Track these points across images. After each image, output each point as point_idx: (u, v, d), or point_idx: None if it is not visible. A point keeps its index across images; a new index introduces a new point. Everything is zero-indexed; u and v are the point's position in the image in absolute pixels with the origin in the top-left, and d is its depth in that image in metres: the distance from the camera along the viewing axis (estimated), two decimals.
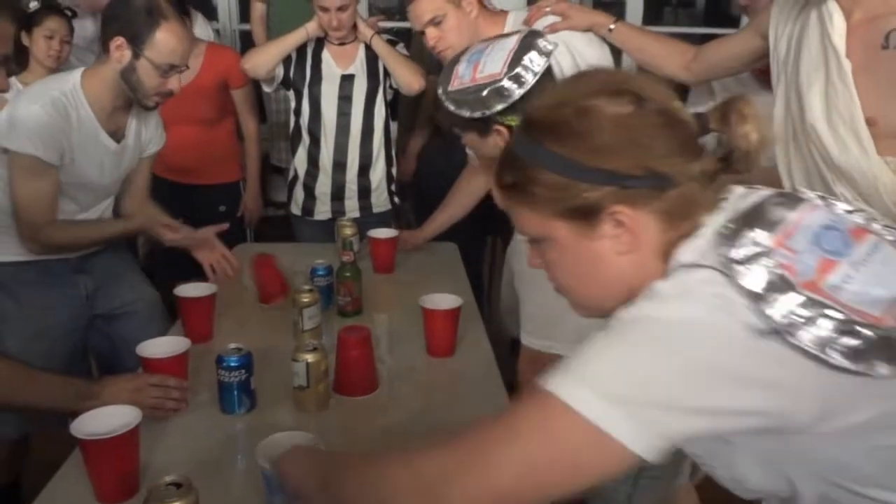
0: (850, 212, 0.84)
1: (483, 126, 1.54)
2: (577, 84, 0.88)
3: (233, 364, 1.42)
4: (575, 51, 1.90)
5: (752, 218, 0.78)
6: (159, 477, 1.01)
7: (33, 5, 2.48)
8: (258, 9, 3.62)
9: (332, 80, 2.60)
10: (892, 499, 0.77)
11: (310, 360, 1.42)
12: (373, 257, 2.26)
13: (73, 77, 1.86)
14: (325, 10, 2.46)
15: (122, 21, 1.81)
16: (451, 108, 1.55)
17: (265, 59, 2.58)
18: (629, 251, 0.82)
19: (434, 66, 2.80)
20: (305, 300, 1.71)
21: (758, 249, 0.75)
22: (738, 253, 0.75)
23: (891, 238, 0.81)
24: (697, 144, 0.82)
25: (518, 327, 2.30)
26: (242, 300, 2.06)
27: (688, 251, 0.79)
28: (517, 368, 2.30)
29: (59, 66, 2.62)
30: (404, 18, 4.35)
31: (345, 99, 2.61)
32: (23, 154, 1.75)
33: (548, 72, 1.50)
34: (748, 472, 0.82)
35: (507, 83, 1.47)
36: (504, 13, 2.10)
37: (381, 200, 2.73)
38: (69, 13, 2.72)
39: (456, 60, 1.60)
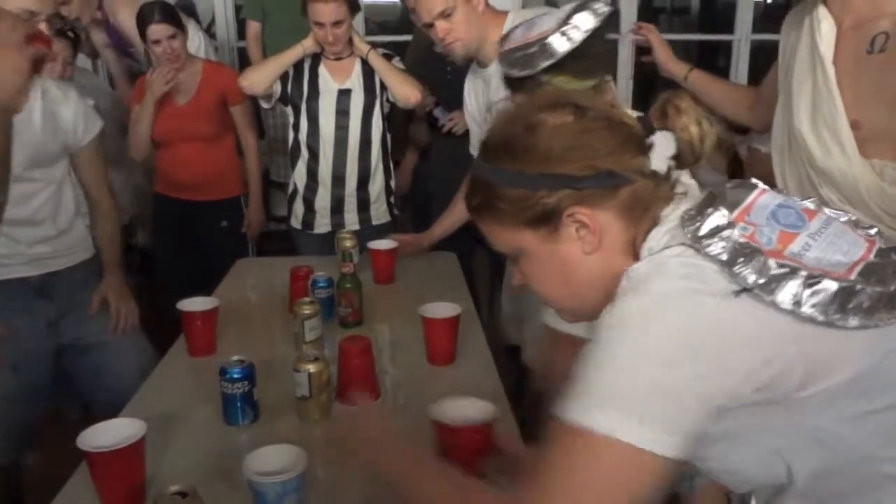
0: (801, 199, 0.90)
1: (533, 87, 1.51)
2: (523, 105, 0.94)
3: (235, 376, 1.44)
4: None
5: (712, 200, 0.84)
6: (165, 487, 1.02)
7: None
8: (253, 27, 3.67)
9: (330, 94, 2.62)
10: (886, 468, 0.81)
11: (312, 371, 1.44)
12: (373, 268, 2.28)
13: None
14: (321, 25, 2.49)
15: None
16: (504, 69, 1.54)
17: (262, 77, 2.61)
18: (594, 250, 0.87)
19: (425, 81, 2.84)
20: (306, 312, 1.73)
21: (721, 222, 0.81)
22: (703, 229, 0.80)
23: (842, 219, 0.87)
24: (642, 143, 0.87)
25: (518, 334, 2.32)
26: (244, 312, 2.07)
27: (655, 238, 0.85)
28: (525, 378, 2.32)
29: None
30: (400, 32, 4.42)
31: (342, 113, 2.63)
32: None
33: (597, 33, 1.49)
34: (743, 460, 0.84)
35: (553, 39, 1.47)
36: (505, 13, 2.14)
37: (380, 212, 2.76)
38: (71, 35, 2.75)
39: (513, 29, 1.61)
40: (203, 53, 3.24)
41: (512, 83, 1.57)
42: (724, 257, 0.78)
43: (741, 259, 0.77)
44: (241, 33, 4.09)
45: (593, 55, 1.49)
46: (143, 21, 2.73)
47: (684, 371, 0.75)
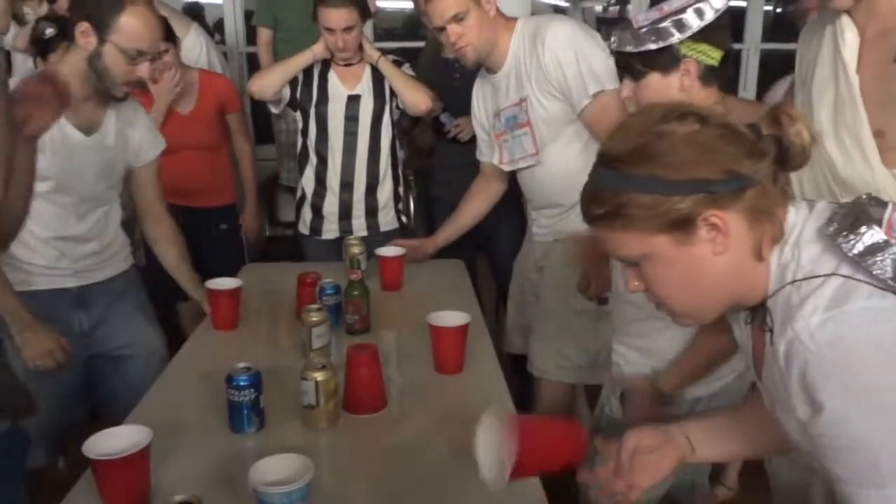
0: None
1: (669, 60, 1.49)
2: (643, 116, 0.98)
3: (242, 383, 1.43)
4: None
5: (857, 216, 0.87)
6: (170, 496, 1.01)
7: (49, 32, 2.51)
8: (264, 34, 3.66)
9: (339, 100, 2.62)
10: None
11: (319, 379, 1.43)
12: (381, 275, 2.27)
13: (27, 64, 1.83)
14: (331, 31, 2.49)
15: (87, 6, 1.77)
16: (633, 48, 1.50)
17: (271, 82, 2.61)
18: (725, 250, 0.90)
19: (432, 86, 2.84)
20: (314, 319, 1.72)
21: (878, 240, 0.84)
22: (859, 247, 0.84)
23: None
24: (760, 148, 0.92)
25: (523, 343, 2.31)
26: (251, 319, 2.07)
27: (794, 261, 0.89)
28: (531, 386, 2.31)
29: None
30: (408, 39, 4.42)
31: (351, 119, 2.63)
32: None
33: (726, 12, 1.50)
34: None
35: (687, 15, 1.47)
36: (514, 19, 2.15)
37: (388, 219, 2.75)
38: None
39: (627, 19, 1.61)
40: (205, 58, 3.24)
41: (641, 60, 1.51)
42: (889, 275, 0.82)
43: None
44: (251, 39, 4.10)
45: (722, 26, 1.50)
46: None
47: None
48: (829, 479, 0.90)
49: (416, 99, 2.57)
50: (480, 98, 2.31)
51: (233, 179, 3.03)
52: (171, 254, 2.17)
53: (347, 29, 2.48)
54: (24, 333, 1.78)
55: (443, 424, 1.51)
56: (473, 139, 2.70)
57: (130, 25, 1.76)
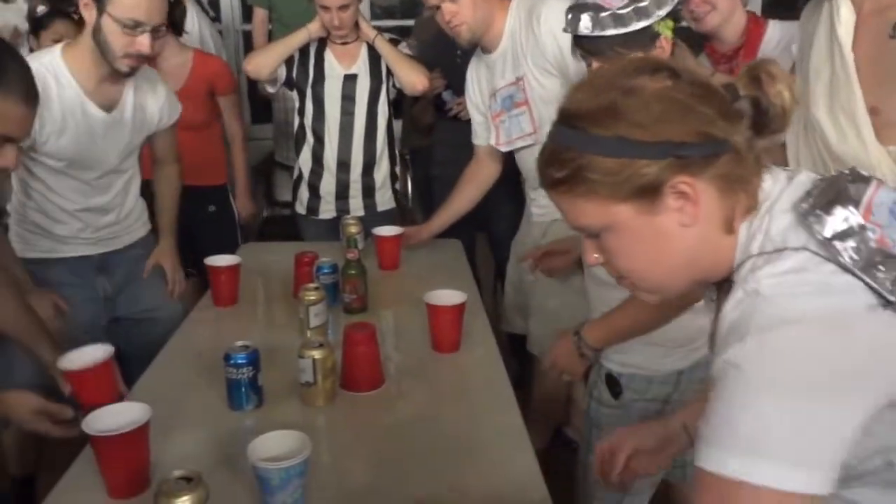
0: None
1: (648, 40, 1.48)
2: (611, 69, 0.88)
3: (240, 361, 1.44)
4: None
5: (834, 195, 0.79)
6: (169, 472, 1.02)
7: (41, 9, 2.49)
8: (259, 14, 3.64)
9: (335, 79, 2.61)
10: None
11: (316, 357, 1.44)
12: (378, 254, 2.27)
13: (53, 51, 1.83)
14: (327, 9, 2.48)
15: None
16: (612, 31, 1.46)
17: (267, 61, 2.60)
18: (693, 222, 0.82)
19: (434, 64, 2.83)
20: (311, 298, 1.73)
21: (853, 223, 0.76)
22: (830, 230, 0.76)
23: None
24: (735, 109, 0.83)
25: (521, 322, 2.32)
26: (249, 298, 2.08)
27: (774, 228, 0.80)
28: (529, 365, 2.32)
29: None
30: (404, 17, 4.39)
31: (348, 98, 2.62)
32: None
33: None
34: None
35: None
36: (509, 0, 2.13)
37: (385, 199, 2.75)
38: (76, 17, 2.74)
39: (589, 3, 1.51)
40: (198, 35, 3.21)
41: (621, 41, 1.47)
42: (861, 265, 0.74)
43: (880, 268, 0.73)
44: (247, 17, 4.07)
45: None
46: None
47: (851, 401, 0.71)
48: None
49: (413, 78, 2.56)
50: (475, 79, 2.31)
51: (224, 161, 3.02)
52: (165, 192, 2.25)
53: (343, 7, 2.46)
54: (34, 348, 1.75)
55: (440, 402, 1.52)
56: None
57: None
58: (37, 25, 2.48)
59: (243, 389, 1.45)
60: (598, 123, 0.81)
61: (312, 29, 2.55)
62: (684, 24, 2.06)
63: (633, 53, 1.38)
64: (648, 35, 1.46)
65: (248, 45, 4.09)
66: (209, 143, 2.94)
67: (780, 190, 0.83)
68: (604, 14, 1.45)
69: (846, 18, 1.43)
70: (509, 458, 1.30)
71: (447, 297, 1.72)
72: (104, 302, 2.06)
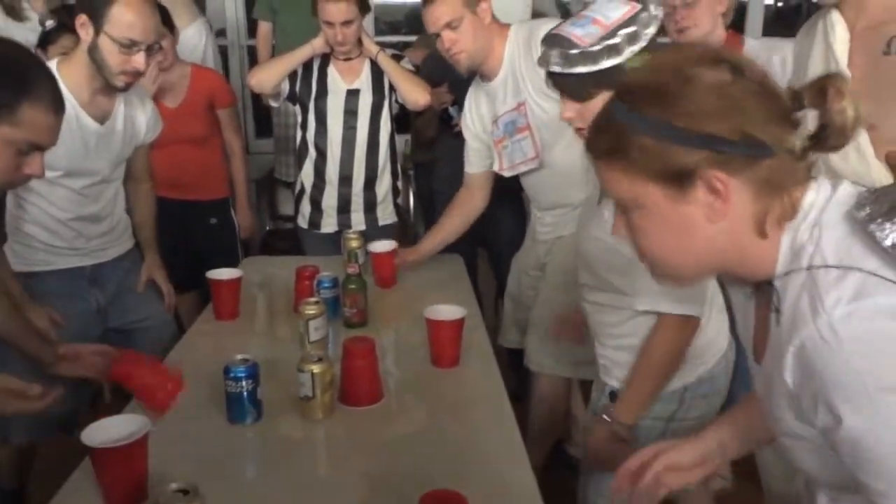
0: None
1: (617, 76, 1.41)
2: (676, 53, 0.89)
3: (240, 374, 1.44)
4: None
5: (894, 204, 0.77)
6: (167, 485, 1.03)
7: (49, 24, 2.51)
8: (264, 27, 3.68)
9: (338, 94, 2.63)
10: None
11: (315, 371, 1.45)
12: (374, 271, 2.27)
13: (50, 65, 1.84)
14: (330, 24, 2.50)
15: None
16: (584, 69, 1.43)
17: (270, 75, 2.62)
18: (720, 218, 0.82)
19: (441, 79, 2.85)
20: (311, 312, 1.73)
21: None
22: (893, 239, 0.75)
23: None
24: (793, 117, 0.83)
25: (520, 337, 2.33)
26: (249, 311, 2.08)
27: (813, 244, 0.80)
28: (527, 380, 2.32)
29: None
30: (410, 32, 4.42)
31: (350, 113, 2.64)
32: None
33: None
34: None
35: (637, 26, 1.42)
36: (507, 26, 2.15)
37: (386, 213, 2.76)
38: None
39: (558, 34, 1.47)
40: (201, 52, 3.24)
41: (594, 80, 1.43)
42: None
43: None
44: (252, 32, 4.10)
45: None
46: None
47: None
48: (843, 486, 0.84)
49: (415, 94, 2.58)
50: (474, 107, 2.31)
51: (224, 174, 3.04)
52: (144, 210, 2.28)
53: (346, 23, 2.49)
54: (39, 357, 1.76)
55: (438, 417, 1.52)
56: None
57: (122, 15, 1.79)
58: (44, 40, 2.51)
59: (242, 403, 1.45)
60: (648, 103, 0.83)
61: (316, 45, 2.57)
62: (667, 39, 2.08)
63: (602, 91, 1.40)
64: (618, 72, 1.42)
65: (253, 60, 4.12)
66: (210, 156, 2.96)
67: (824, 199, 0.82)
68: (574, 52, 1.42)
69: (841, 36, 1.44)
70: (507, 474, 1.30)
71: (447, 312, 1.72)
72: (97, 314, 2.08)
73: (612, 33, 1.42)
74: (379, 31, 4.48)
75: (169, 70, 2.73)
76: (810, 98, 0.83)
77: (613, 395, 1.61)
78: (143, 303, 2.19)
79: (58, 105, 1.31)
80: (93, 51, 1.82)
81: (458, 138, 2.90)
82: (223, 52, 4.24)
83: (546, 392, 2.25)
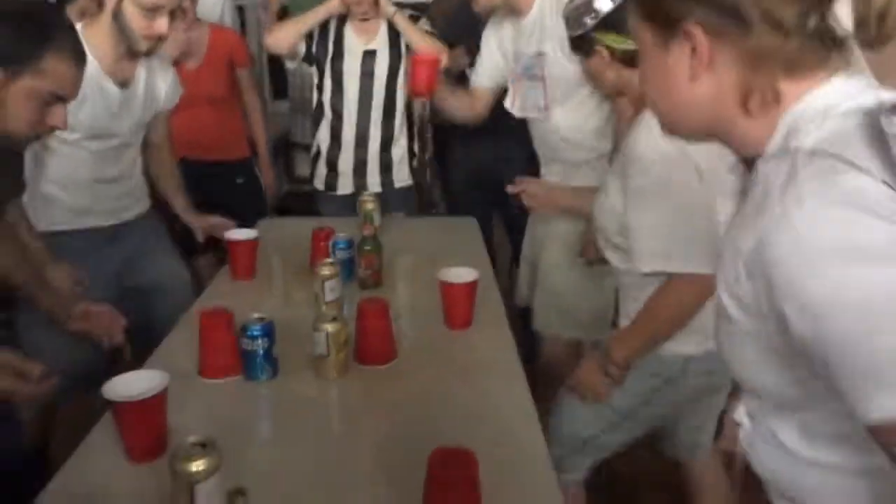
0: None
1: (587, 46, 1.56)
2: None
3: (256, 333, 1.47)
4: None
5: None
6: (184, 438, 1.05)
7: None
8: None
9: (355, 55, 2.62)
10: None
11: (330, 330, 1.47)
12: (412, 76, 2.30)
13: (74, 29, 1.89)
14: None
15: None
16: (569, 32, 1.59)
17: (287, 35, 2.61)
18: (696, 79, 0.80)
19: (458, 41, 2.82)
20: (326, 273, 1.75)
21: None
22: None
23: None
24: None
25: (531, 297, 2.34)
26: (266, 272, 2.11)
27: (816, 129, 0.74)
28: (535, 342, 2.34)
29: None
30: None
31: (367, 74, 2.63)
32: None
33: None
34: None
35: (599, 2, 1.50)
36: None
37: (402, 175, 2.76)
38: None
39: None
40: (219, 12, 3.24)
41: (574, 44, 1.61)
42: None
43: None
44: None
45: None
46: None
47: None
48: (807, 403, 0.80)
49: (424, 45, 2.55)
50: (498, 33, 2.29)
51: (244, 134, 3.06)
52: (163, 168, 2.30)
53: None
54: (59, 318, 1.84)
55: (450, 377, 1.54)
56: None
57: None
58: None
59: (258, 360, 1.48)
60: None
61: (332, 5, 2.55)
62: None
63: (580, 54, 1.58)
64: (588, 42, 1.55)
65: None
66: (232, 117, 2.98)
67: (845, 95, 0.75)
68: (566, 15, 1.59)
69: (842, 18, 1.43)
70: (517, 434, 1.32)
71: (460, 274, 1.74)
72: (115, 274, 2.11)
73: (582, 4, 1.52)
74: None
75: (189, 30, 2.73)
76: None
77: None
78: (161, 263, 2.22)
79: (79, 56, 1.33)
80: (117, 16, 1.86)
81: None
82: (240, 12, 4.22)
83: (553, 354, 2.26)
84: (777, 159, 0.75)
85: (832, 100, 0.75)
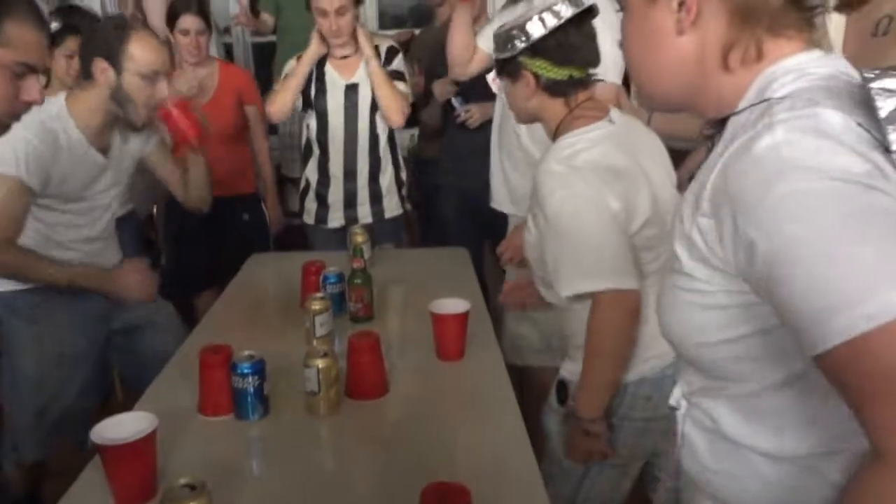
0: None
1: (513, 70, 1.54)
2: None
3: (246, 371, 1.45)
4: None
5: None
6: (174, 480, 1.04)
7: (54, 26, 2.53)
8: (266, 19, 3.71)
9: (337, 90, 2.64)
10: None
11: (320, 366, 1.46)
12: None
13: (58, 102, 1.90)
14: (324, 13, 2.50)
15: (96, 44, 1.88)
16: (495, 53, 1.57)
17: (287, 99, 2.62)
18: (684, 31, 0.81)
19: (444, 71, 2.85)
20: (317, 307, 1.75)
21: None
22: (889, 107, 0.69)
23: None
24: None
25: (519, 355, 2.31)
26: (257, 307, 2.10)
27: (791, 84, 0.76)
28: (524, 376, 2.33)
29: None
30: (414, 25, 4.42)
31: (350, 108, 2.65)
32: (7, 176, 1.78)
33: (575, 23, 1.48)
34: None
35: (530, 24, 1.48)
36: None
37: (392, 205, 2.77)
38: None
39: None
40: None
41: (499, 66, 1.58)
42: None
43: None
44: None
45: (570, 45, 1.48)
46: (175, 9, 2.75)
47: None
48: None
49: (392, 114, 2.58)
50: (512, 12, 2.22)
51: (252, 169, 3.07)
52: (199, 186, 2.27)
53: (339, 11, 2.49)
54: (102, 287, 1.98)
55: (444, 410, 1.53)
56: (482, 126, 2.72)
57: (141, 50, 1.87)
58: (50, 42, 2.52)
59: (249, 399, 1.46)
60: None
61: (312, 51, 2.59)
62: None
63: (505, 77, 1.57)
64: (514, 65, 1.53)
65: (257, 57, 4.14)
66: (240, 152, 3.02)
67: (819, 62, 0.79)
68: (495, 33, 1.56)
69: (836, 20, 1.46)
70: (512, 467, 1.31)
71: (451, 305, 1.73)
72: (101, 318, 2.07)
73: (515, 26, 1.50)
74: (383, 25, 4.47)
75: (199, 66, 2.75)
76: None
77: (560, 383, 1.62)
78: (145, 303, 2.16)
79: (40, 20, 1.32)
80: (117, 92, 1.88)
81: (463, 130, 2.91)
82: (228, 50, 4.25)
83: (544, 383, 2.25)
84: (749, 111, 0.78)
85: (806, 64, 0.78)
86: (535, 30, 1.47)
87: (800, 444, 0.81)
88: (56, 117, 1.87)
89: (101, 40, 1.89)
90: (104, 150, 1.99)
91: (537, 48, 1.48)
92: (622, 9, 0.90)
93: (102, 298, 2.07)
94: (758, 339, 0.79)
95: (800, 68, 0.78)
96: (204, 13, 2.83)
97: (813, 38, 0.82)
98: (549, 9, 1.47)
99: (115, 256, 2.16)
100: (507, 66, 1.54)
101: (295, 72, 2.62)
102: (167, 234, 3.13)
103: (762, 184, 0.69)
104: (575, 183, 1.44)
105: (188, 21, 2.74)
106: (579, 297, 1.47)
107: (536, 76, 1.51)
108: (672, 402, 0.95)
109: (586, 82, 1.53)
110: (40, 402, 1.97)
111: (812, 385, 0.77)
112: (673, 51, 0.83)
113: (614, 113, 1.54)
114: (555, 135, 1.54)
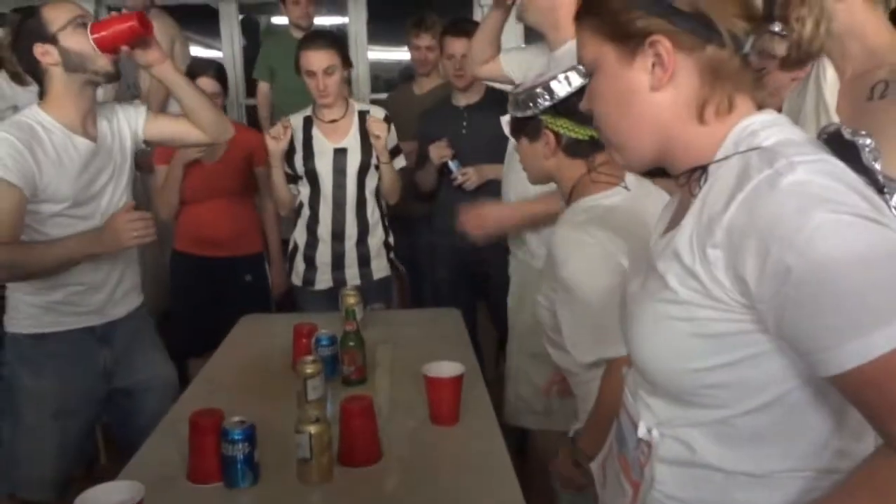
0: None
1: (533, 129, 1.53)
2: None
3: (236, 437, 1.42)
4: None
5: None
6: None
7: None
8: (263, 87, 3.80)
9: (326, 154, 2.67)
10: None
11: (313, 432, 1.43)
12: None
13: (31, 107, 1.92)
14: (312, 74, 2.56)
15: (22, 36, 1.88)
16: (509, 111, 1.58)
17: (283, 192, 2.73)
18: (661, 87, 0.85)
19: (441, 133, 2.89)
20: (309, 371, 1.72)
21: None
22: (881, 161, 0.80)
23: None
24: (762, 18, 0.85)
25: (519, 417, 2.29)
26: (247, 370, 2.07)
27: (762, 139, 0.82)
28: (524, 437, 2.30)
29: None
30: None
31: (339, 171, 2.67)
32: None
33: None
34: None
35: (555, 83, 1.48)
36: None
37: (380, 266, 2.77)
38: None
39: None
40: None
41: (517, 125, 1.58)
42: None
43: None
44: (250, 91, 4.18)
45: None
46: (193, 71, 2.79)
47: None
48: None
49: (392, 196, 2.75)
50: (539, 55, 2.29)
51: (258, 229, 3.07)
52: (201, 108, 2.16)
53: (328, 71, 2.54)
54: (98, 246, 1.87)
55: (439, 476, 1.50)
56: (478, 189, 2.74)
57: (54, 9, 1.86)
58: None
59: (239, 466, 1.43)
60: None
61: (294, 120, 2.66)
62: None
63: (523, 137, 1.57)
64: (534, 125, 1.53)
65: (252, 119, 4.19)
66: (246, 212, 3.01)
67: (781, 125, 0.85)
68: (512, 94, 1.58)
69: (832, 82, 1.48)
70: None
71: (445, 368, 1.71)
72: (103, 376, 2.07)
73: (538, 84, 1.51)
74: (375, 88, 4.55)
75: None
76: (779, 8, 0.86)
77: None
78: (147, 363, 2.17)
79: None
80: (67, 60, 1.86)
81: (458, 191, 2.93)
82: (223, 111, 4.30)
83: (543, 445, 2.21)
84: (730, 161, 0.83)
85: (774, 118, 0.85)
86: (560, 89, 1.48)
87: (781, 461, 0.84)
88: (31, 116, 1.89)
89: (24, 30, 1.87)
90: (91, 137, 1.97)
91: (560, 107, 1.49)
92: (588, 74, 0.94)
93: (109, 354, 2.07)
94: (746, 364, 0.82)
95: (779, 123, 0.85)
96: (221, 77, 2.87)
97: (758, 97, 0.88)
98: (574, 68, 1.47)
99: (135, 300, 2.16)
100: (527, 126, 1.54)
101: (275, 168, 2.69)
102: (175, 291, 3.09)
103: (800, 212, 0.74)
104: (591, 249, 1.43)
105: (204, 83, 2.77)
106: (597, 364, 1.45)
107: (557, 136, 1.51)
108: (641, 435, 0.93)
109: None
110: (29, 447, 1.96)
111: (787, 407, 0.82)
112: (649, 107, 0.87)
113: (630, 178, 1.55)
114: (570, 197, 1.54)
